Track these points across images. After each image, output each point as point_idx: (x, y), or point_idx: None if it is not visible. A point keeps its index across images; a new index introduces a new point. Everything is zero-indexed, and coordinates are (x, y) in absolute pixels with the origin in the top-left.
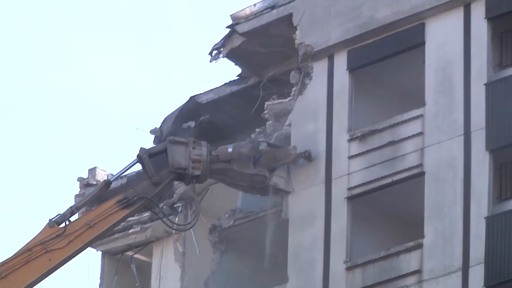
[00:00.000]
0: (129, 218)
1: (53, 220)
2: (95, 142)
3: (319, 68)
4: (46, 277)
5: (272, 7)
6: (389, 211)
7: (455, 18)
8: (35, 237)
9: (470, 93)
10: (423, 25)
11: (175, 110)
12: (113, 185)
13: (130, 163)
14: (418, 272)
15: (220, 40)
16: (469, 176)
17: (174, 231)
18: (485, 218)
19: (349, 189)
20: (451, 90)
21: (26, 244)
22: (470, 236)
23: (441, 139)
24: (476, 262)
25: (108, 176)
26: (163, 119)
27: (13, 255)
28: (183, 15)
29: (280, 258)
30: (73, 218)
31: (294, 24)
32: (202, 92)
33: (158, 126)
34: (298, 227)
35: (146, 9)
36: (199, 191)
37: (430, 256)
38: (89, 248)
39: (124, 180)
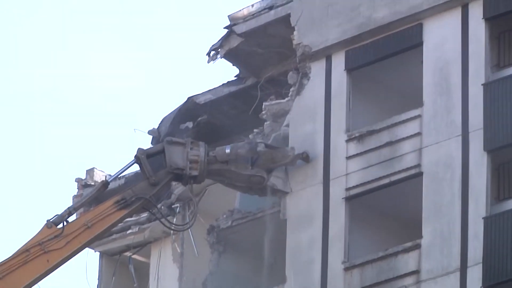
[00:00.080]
0: (127, 219)
1: (51, 220)
2: (93, 142)
3: (317, 69)
4: (44, 277)
5: (270, 8)
6: (387, 211)
7: (453, 18)
8: (33, 238)
9: (468, 93)
10: (421, 26)
11: (173, 111)
12: (111, 186)
13: (128, 164)
14: (416, 272)
15: (218, 41)
16: (467, 177)
17: (172, 231)
18: (483, 218)
19: (347, 189)
20: (449, 90)
21: (24, 245)
22: (468, 236)
23: (439, 139)
24: (474, 263)
25: (106, 176)
26: (161, 119)
27: (11, 256)
28: (181, 15)
29: (278, 259)
30: (71, 218)
31: (292, 25)
32: (200, 92)
33: (156, 127)
34: (296, 227)
35: (144, 9)
36: (197, 192)
37: (428, 257)
38: (87, 249)
39: (122, 181)
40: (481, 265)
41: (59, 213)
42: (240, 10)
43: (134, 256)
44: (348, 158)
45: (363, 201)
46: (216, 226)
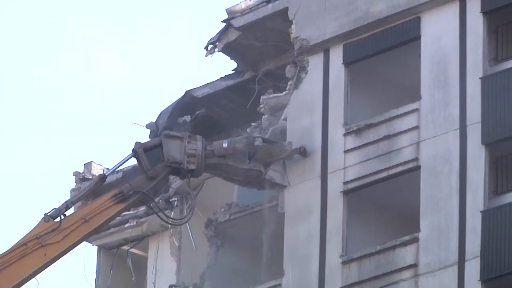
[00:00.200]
0: (125, 213)
1: (48, 214)
2: (91, 136)
3: (315, 62)
4: (41, 271)
5: (268, 1)
6: (385, 205)
7: (451, 12)
8: (30, 232)
9: (466, 87)
10: (418, 19)
11: (171, 104)
12: (108, 180)
13: (126, 158)
14: (414, 266)
15: (216, 35)
16: (465, 170)
17: (169, 225)
18: (481, 212)
19: (345, 183)
20: (447, 84)
21: (21, 239)
22: (466, 230)
23: (436, 133)
24: (472, 256)
25: (103, 170)
26: (158, 113)
27: (9, 250)
28: (178, 9)
29: (276, 252)
30: (69, 212)
31: (290, 18)
32: (197, 86)
33: (153, 121)
34: (294, 221)
35: (142, 4)
36: (194, 186)
37: (426, 250)
38: (84, 243)
39: (120, 175)
40: (479, 258)
41: (57, 206)
42: (238, 4)
43: (132, 250)
44: (346, 151)
45: (361, 194)
46: (214, 219)
